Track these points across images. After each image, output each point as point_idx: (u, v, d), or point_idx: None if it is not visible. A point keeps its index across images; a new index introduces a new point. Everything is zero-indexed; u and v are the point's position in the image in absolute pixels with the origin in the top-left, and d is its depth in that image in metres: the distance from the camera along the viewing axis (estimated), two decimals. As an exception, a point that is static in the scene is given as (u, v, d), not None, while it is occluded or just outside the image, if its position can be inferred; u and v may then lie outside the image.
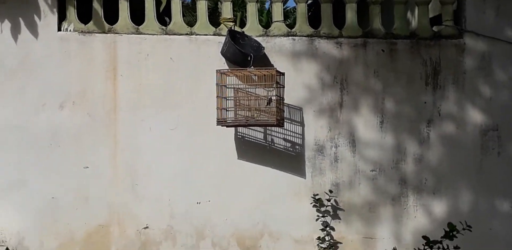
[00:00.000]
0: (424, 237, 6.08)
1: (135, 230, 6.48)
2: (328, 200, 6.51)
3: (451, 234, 6.05)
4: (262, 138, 6.61)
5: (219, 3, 6.96)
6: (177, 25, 6.66)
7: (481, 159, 6.61)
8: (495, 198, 6.60)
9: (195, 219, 6.51)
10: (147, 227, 6.49)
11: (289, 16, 16.48)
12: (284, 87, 6.38)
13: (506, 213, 6.60)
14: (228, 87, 6.41)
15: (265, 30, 6.72)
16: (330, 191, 6.51)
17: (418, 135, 6.62)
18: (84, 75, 6.52)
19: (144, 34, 6.62)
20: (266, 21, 14.70)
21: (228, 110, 6.38)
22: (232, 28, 6.61)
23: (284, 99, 6.40)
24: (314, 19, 7.24)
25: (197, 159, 6.53)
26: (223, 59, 6.55)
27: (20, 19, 6.50)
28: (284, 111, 6.44)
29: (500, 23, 6.73)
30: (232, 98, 6.42)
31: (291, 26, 6.85)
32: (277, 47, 6.64)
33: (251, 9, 6.78)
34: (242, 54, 6.36)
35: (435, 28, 6.82)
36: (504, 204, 6.60)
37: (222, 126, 6.36)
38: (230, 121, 6.38)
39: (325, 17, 6.75)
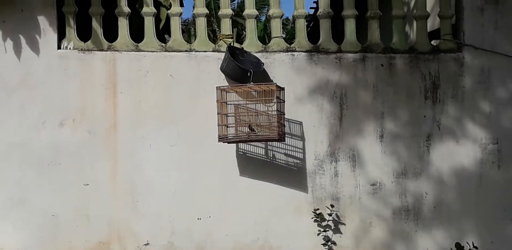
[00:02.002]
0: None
1: (136, 247, 6.48)
2: (329, 215, 6.51)
3: (458, 253, 6.09)
4: (263, 153, 6.62)
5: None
6: (177, 42, 6.69)
7: (481, 172, 6.61)
8: (495, 211, 6.58)
9: (196, 235, 6.51)
10: (147, 244, 6.49)
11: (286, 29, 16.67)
12: (284, 102, 6.39)
13: (507, 226, 6.58)
14: (228, 104, 6.42)
15: (264, 46, 6.74)
16: (332, 206, 6.51)
17: (418, 149, 6.62)
18: (84, 92, 6.55)
19: (144, 51, 6.65)
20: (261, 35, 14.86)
21: (229, 127, 6.40)
22: (231, 44, 6.64)
23: (284, 114, 6.41)
24: (313, 35, 7.26)
25: (197, 175, 6.54)
26: (223, 75, 6.57)
27: (20, 37, 6.53)
28: (285, 126, 6.46)
29: (499, 36, 6.73)
30: (233, 114, 6.44)
31: (290, 41, 6.87)
32: (277, 63, 6.66)
33: (250, 26, 6.81)
34: (242, 70, 6.38)
35: (433, 42, 6.83)
36: (505, 217, 6.58)
37: (223, 142, 6.38)
38: (232, 137, 6.38)
39: (324, 32, 6.77)
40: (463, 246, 6.10)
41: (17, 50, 6.54)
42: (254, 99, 6.47)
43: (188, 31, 17.36)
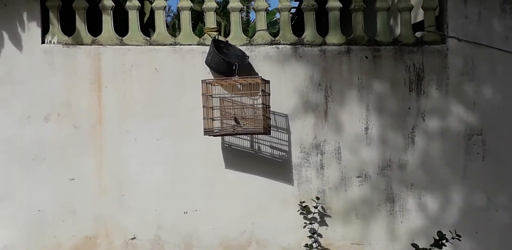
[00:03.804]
0: (413, 245, 6.14)
1: (123, 241, 6.49)
2: (315, 207, 6.53)
3: (440, 242, 6.10)
4: (249, 146, 6.63)
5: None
6: (161, 35, 6.68)
7: (465, 163, 6.64)
8: (480, 202, 6.63)
9: (183, 228, 6.52)
10: (134, 238, 6.50)
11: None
12: (269, 95, 6.40)
13: (492, 217, 6.63)
14: (214, 97, 6.42)
15: (249, 39, 6.74)
16: (317, 198, 6.54)
17: (403, 141, 6.65)
18: (68, 87, 6.53)
19: (128, 45, 6.63)
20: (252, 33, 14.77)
21: (214, 120, 6.40)
22: (216, 37, 6.64)
23: (270, 107, 6.41)
24: (298, 27, 7.26)
25: (183, 169, 6.54)
26: (208, 69, 6.56)
27: (3, 32, 6.50)
28: (270, 119, 6.46)
29: (483, 28, 6.74)
30: (218, 107, 6.43)
31: (274, 34, 6.87)
32: (261, 56, 6.66)
33: (235, 18, 6.80)
34: (227, 64, 6.37)
35: (417, 34, 6.85)
36: (490, 208, 6.63)
37: (209, 135, 6.38)
38: (217, 130, 6.39)
39: (309, 25, 6.78)
40: (445, 234, 6.14)
41: (0, 45, 6.50)
42: (240, 93, 6.48)
43: (173, 26, 17.23)
